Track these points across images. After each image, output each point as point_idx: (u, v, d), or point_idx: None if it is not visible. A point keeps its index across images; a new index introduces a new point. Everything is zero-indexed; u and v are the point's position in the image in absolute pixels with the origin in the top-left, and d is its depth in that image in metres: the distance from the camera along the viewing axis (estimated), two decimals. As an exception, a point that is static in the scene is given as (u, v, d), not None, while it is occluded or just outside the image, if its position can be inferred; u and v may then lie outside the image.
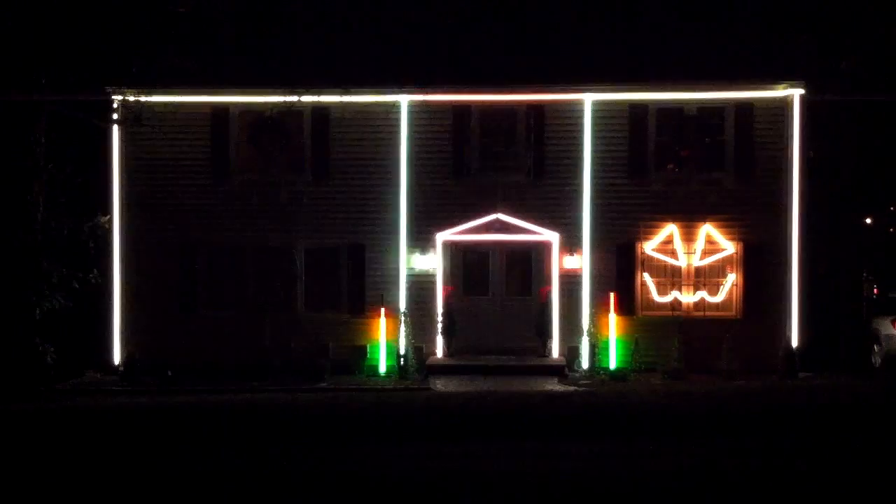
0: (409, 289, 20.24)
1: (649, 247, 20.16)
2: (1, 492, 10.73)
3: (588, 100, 20.08)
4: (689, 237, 20.08)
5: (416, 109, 20.26)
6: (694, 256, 20.23)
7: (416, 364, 19.66)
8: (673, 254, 20.23)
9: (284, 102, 19.10)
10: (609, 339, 19.74)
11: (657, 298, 20.21)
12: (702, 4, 21.33)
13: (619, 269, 20.13)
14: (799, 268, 19.86)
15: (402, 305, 20.10)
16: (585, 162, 20.13)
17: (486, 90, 20.19)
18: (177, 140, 20.45)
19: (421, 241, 20.25)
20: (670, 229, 20.06)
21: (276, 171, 20.49)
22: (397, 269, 20.24)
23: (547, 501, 9.97)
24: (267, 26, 19.73)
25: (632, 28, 21.54)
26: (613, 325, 19.83)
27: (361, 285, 20.27)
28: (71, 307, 19.74)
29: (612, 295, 20.00)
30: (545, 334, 20.21)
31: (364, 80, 20.05)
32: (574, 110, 20.17)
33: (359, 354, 19.94)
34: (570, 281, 20.16)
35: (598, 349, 19.71)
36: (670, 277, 20.25)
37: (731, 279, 20.31)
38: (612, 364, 19.46)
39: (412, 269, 20.25)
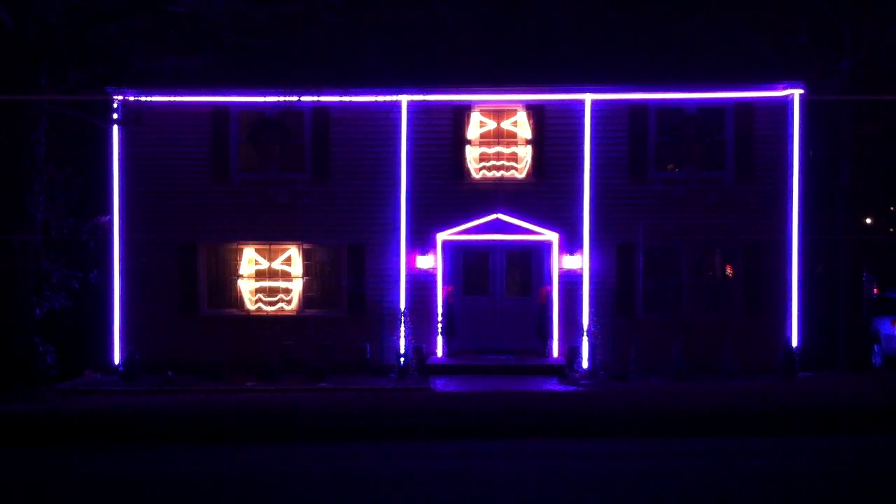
0: (409, 289, 20.25)
1: (649, 247, 20.16)
2: (2, 491, 10.74)
3: (588, 100, 20.09)
4: (688, 237, 20.08)
5: (416, 109, 20.27)
6: (693, 256, 20.24)
7: (416, 364, 19.68)
8: (672, 253, 20.23)
9: (284, 102, 19.09)
10: (609, 339, 19.75)
11: (657, 298, 20.21)
12: (702, 5, 21.32)
13: (619, 269, 20.14)
14: (799, 268, 19.87)
15: (402, 305, 20.10)
16: (585, 162, 20.14)
17: (486, 90, 20.19)
18: (177, 140, 20.45)
19: (421, 240, 20.26)
20: (670, 229, 20.06)
21: (276, 170, 20.51)
22: (397, 269, 20.26)
23: (547, 501, 9.96)
24: (267, 26, 19.70)
25: (631, 28, 21.54)
26: (613, 324, 19.85)
27: (361, 285, 20.27)
28: (71, 307, 19.76)
29: (611, 295, 20.04)
30: (545, 334, 20.23)
31: (364, 80, 20.06)
32: (574, 110, 20.18)
33: (359, 354, 19.95)
34: (570, 281, 20.17)
35: (597, 349, 19.72)
36: (670, 277, 20.26)
37: (731, 279, 20.32)
38: (612, 364, 19.44)
39: (412, 268, 20.26)
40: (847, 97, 20.16)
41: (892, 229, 32.41)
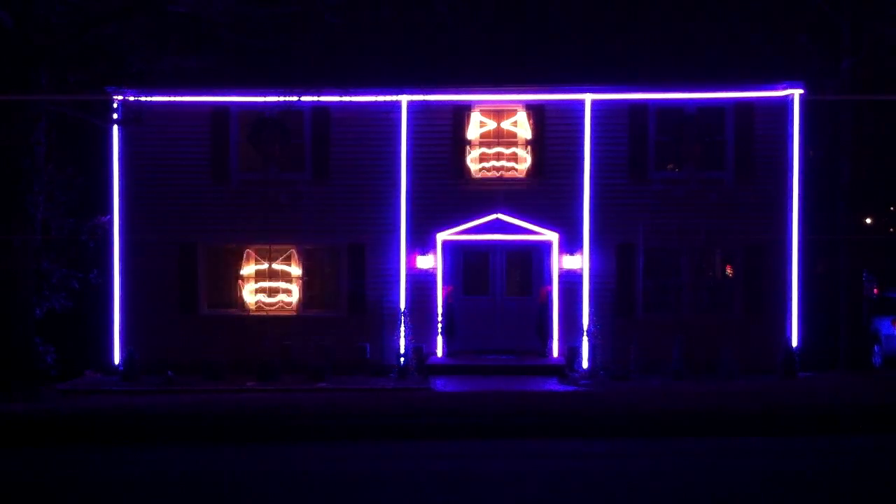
0: (409, 289, 20.25)
1: (649, 246, 20.15)
2: (2, 491, 10.74)
3: (588, 100, 20.09)
4: (688, 237, 20.08)
5: (416, 109, 20.26)
6: (693, 256, 20.25)
7: (416, 364, 19.68)
8: (672, 253, 20.23)
9: (284, 102, 19.09)
10: (609, 339, 19.76)
11: (657, 298, 20.22)
12: (701, 4, 21.32)
13: (618, 269, 20.14)
14: (799, 268, 19.87)
15: (402, 305, 20.10)
16: (585, 162, 20.14)
17: (486, 90, 20.19)
18: (177, 140, 20.46)
19: (421, 240, 20.26)
20: (670, 229, 20.06)
21: (276, 170, 20.50)
22: (397, 269, 20.26)
23: (547, 501, 9.96)
24: (267, 26, 19.74)
25: (632, 28, 21.54)
26: (613, 325, 19.86)
27: (361, 285, 20.27)
28: (71, 307, 19.77)
29: (611, 295, 20.05)
30: (545, 334, 20.22)
31: (364, 80, 20.06)
32: (574, 110, 20.18)
33: (359, 354, 19.95)
34: (570, 281, 20.16)
35: (598, 349, 19.72)
36: (670, 277, 20.26)
37: (731, 279, 20.32)
38: (612, 364, 19.44)
39: (412, 268, 20.25)
40: (847, 97, 20.17)
41: (892, 229, 32.41)
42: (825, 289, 21.47)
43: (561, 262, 20.15)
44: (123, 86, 19.74)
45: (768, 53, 20.53)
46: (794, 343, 19.58)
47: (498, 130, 20.37)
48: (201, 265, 20.55)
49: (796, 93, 19.80)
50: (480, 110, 20.34)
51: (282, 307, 20.47)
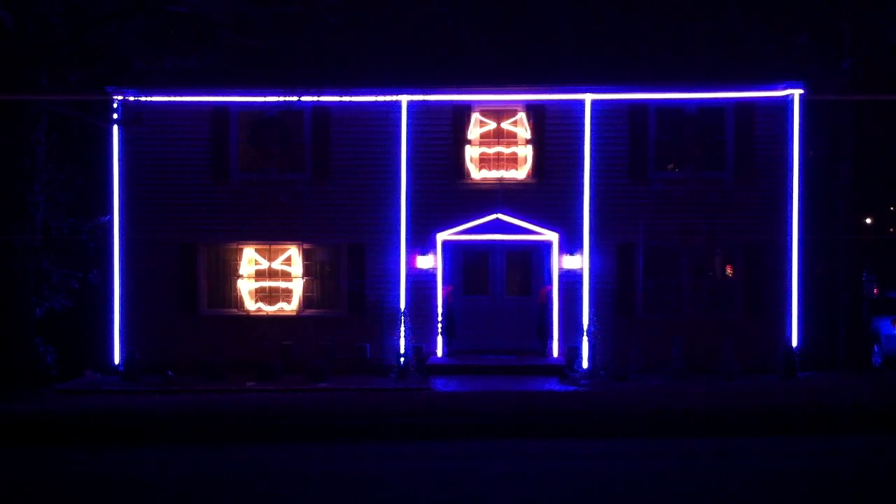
0: (409, 289, 20.25)
1: (649, 246, 20.15)
2: (2, 491, 10.74)
3: (588, 100, 20.09)
4: (688, 237, 20.08)
5: (416, 109, 20.27)
6: (693, 256, 20.25)
7: (416, 364, 19.68)
8: (673, 253, 20.24)
9: (284, 102, 19.09)
10: (609, 339, 19.75)
11: (657, 298, 20.22)
12: (702, 4, 21.32)
13: (619, 269, 20.14)
14: (799, 268, 19.88)
15: (402, 305, 20.10)
16: (585, 162, 20.14)
17: (486, 90, 20.19)
18: (177, 140, 20.46)
19: (421, 240, 20.26)
20: (670, 229, 20.06)
21: (276, 170, 20.51)
22: (397, 269, 20.26)
23: (547, 501, 9.96)
24: (267, 26, 19.76)
25: (631, 28, 21.54)
26: (613, 324, 19.86)
27: (361, 285, 20.27)
28: (71, 307, 19.77)
29: (611, 295, 20.05)
30: (545, 334, 20.23)
31: (364, 80, 20.05)
32: (574, 110, 20.18)
33: (359, 354, 19.95)
34: (570, 281, 20.17)
35: (598, 349, 19.72)
36: (670, 277, 20.26)
37: (732, 279, 20.32)
38: (612, 364, 19.43)
39: (412, 268, 20.25)
40: (847, 97, 20.17)
41: (892, 229, 32.44)
42: (825, 289, 21.46)
43: (561, 262, 20.15)
44: (123, 86, 19.75)
45: (768, 53, 20.52)
46: (794, 343, 19.59)
47: (498, 130, 20.37)
48: (201, 265, 20.55)
49: (796, 93, 19.81)
50: (480, 110, 20.35)
51: (282, 307, 20.47)
